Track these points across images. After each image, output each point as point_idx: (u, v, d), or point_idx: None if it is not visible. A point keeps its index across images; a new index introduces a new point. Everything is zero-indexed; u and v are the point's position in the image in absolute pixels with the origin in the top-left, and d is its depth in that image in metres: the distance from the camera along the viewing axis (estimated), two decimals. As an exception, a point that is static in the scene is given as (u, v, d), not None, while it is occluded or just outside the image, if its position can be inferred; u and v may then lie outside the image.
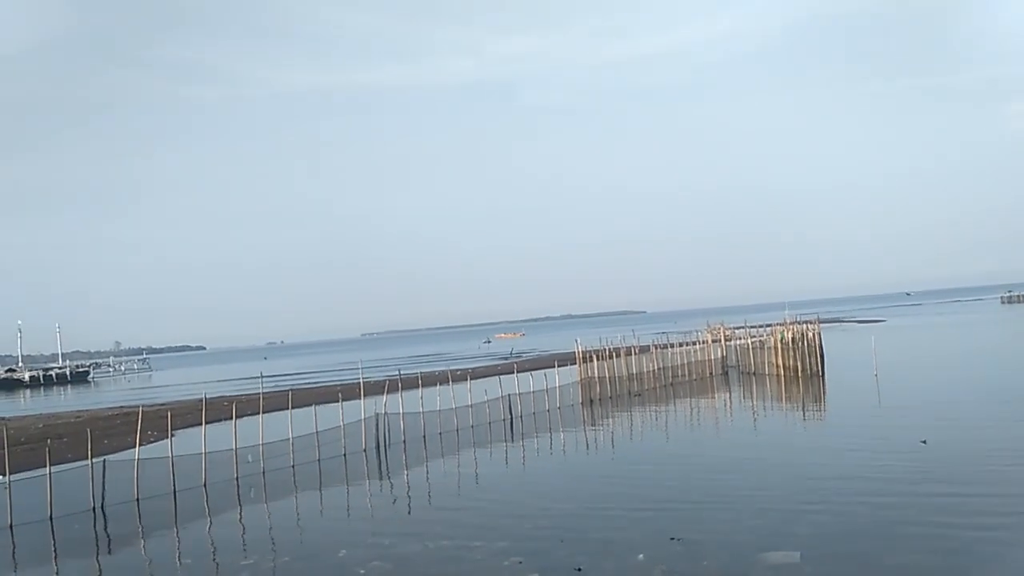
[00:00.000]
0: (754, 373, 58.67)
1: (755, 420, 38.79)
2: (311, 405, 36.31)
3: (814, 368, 53.41)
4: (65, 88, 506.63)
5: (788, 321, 58.68)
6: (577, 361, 54.40)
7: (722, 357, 63.45)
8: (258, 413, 33.75)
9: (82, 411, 65.82)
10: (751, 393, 50.15)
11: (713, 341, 65.58)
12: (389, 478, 31.04)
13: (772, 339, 58.40)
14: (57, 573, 21.02)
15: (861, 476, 24.23)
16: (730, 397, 48.98)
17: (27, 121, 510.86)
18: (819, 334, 55.46)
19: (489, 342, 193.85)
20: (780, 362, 56.10)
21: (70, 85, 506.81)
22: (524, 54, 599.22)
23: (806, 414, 40.24)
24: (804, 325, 57.87)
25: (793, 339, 55.68)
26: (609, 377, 52.49)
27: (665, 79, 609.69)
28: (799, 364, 54.20)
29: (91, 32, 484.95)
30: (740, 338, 66.78)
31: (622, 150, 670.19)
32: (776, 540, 18.14)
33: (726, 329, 70.41)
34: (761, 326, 67.45)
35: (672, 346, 60.92)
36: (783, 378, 54.11)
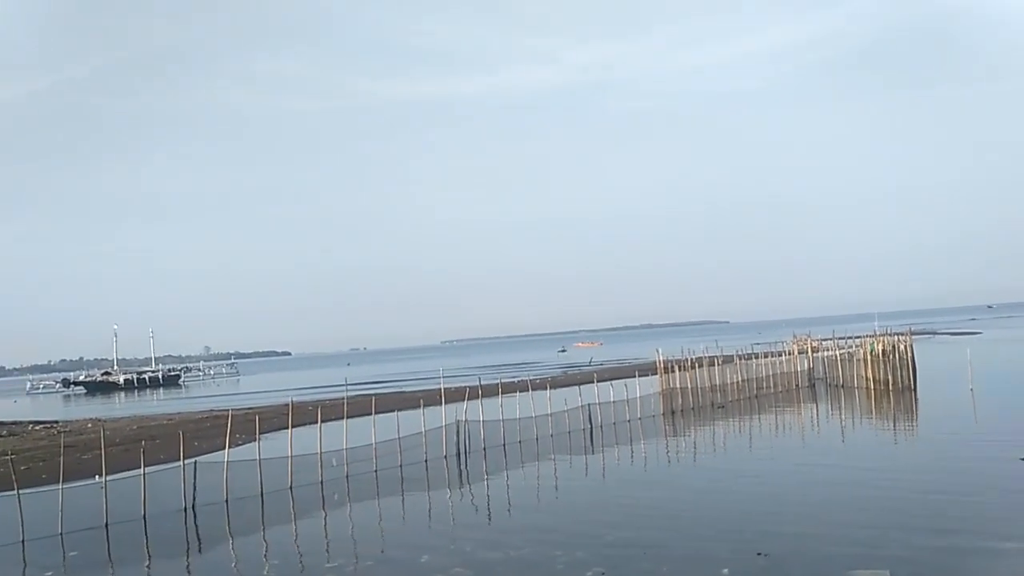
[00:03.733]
0: (842, 386, 57.08)
1: (843, 434, 37.69)
2: (393, 411, 36.69)
3: (905, 381, 51.59)
4: (167, 100, 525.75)
5: (878, 333, 56.87)
6: (658, 371, 53.75)
7: (809, 369, 61.91)
8: (342, 418, 34.31)
9: (174, 414, 68.01)
10: (839, 406, 48.79)
11: (799, 352, 64.08)
12: (469, 485, 31.16)
13: (861, 351, 56.73)
14: (150, 571, 21.67)
15: (954, 493, 23.31)
16: (817, 410, 47.72)
17: (127, 132, 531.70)
18: (911, 346, 53.59)
19: (564, 351, 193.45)
20: (870, 375, 54.45)
21: (172, 97, 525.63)
22: (603, 62, 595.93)
23: (897, 429, 38.92)
24: (895, 337, 56.06)
25: (884, 351, 53.97)
26: (691, 388, 51.69)
27: (744, 85, 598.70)
28: (890, 377, 52.47)
29: (191, 46, 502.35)
30: (828, 350, 65.05)
31: (703, 155, 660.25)
32: (865, 558, 17.53)
33: (813, 340, 68.74)
34: (850, 337, 65.62)
35: (757, 357, 59.70)
36: (873, 392, 52.48)
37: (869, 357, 54.98)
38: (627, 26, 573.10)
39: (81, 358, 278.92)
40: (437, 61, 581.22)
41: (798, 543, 19.27)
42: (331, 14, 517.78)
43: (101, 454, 28.39)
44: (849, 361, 58.38)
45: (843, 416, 44.58)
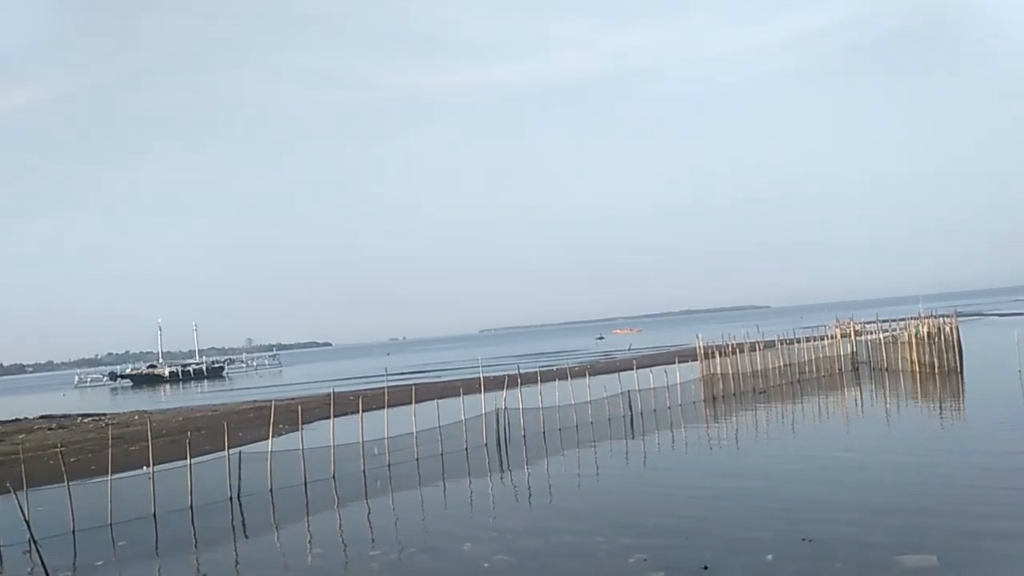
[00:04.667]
0: (886, 370, 56.25)
1: (888, 419, 37.18)
2: (433, 400, 36.86)
3: (951, 364, 50.68)
4: (203, 95, 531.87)
5: (923, 315, 55.95)
6: (699, 357, 53.34)
7: (852, 353, 61.06)
8: (383, 407, 34.56)
9: (218, 405, 69.01)
10: (883, 390, 48.09)
11: (842, 336, 63.25)
12: (510, 473, 31.23)
13: (906, 334, 55.83)
14: (197, 560, 22.01)
15: (1002, 479, 22.81)
16: (861, 394, 47.11)
17: (165, 129, 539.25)
18: (956, 328, 52.58)
19: (602, 338, 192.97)
20: (914, 358, 53.58)
21: (208, 92, 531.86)
22: (639, 46, 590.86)
23: (943, 413, 38.24)
24: (940, 319, 55.07)
25: (929, 334, 53.06)
26: (732, 374, 51.25)
27: (784, 67, 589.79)
28: (935, 360, 51.59)
29: (222, 40, 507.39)
30: (871, 333, 64.12)
31: (740, 139, 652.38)
32: (912, 543, 17.27)
33: (856, 324, 67.78)
34: (894, 320, 64.60)
35: (799, 341, 59.01)
36: (918, 375, 51.66)
37: (914, 340, 54.14)
38: (662, 11, 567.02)
39: (127, 351, 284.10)
40: (467, 50, 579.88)
41: (843, 529, 19.02)
42: (359, 5, 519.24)
43: (148, 446, 28.90)
44: (893, 344, 57.54)
45: (888, 400, 43.96)
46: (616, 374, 47.64)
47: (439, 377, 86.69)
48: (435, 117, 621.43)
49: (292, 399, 61.86)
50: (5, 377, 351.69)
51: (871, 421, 36.78)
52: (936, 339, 52.33)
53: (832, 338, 62.69)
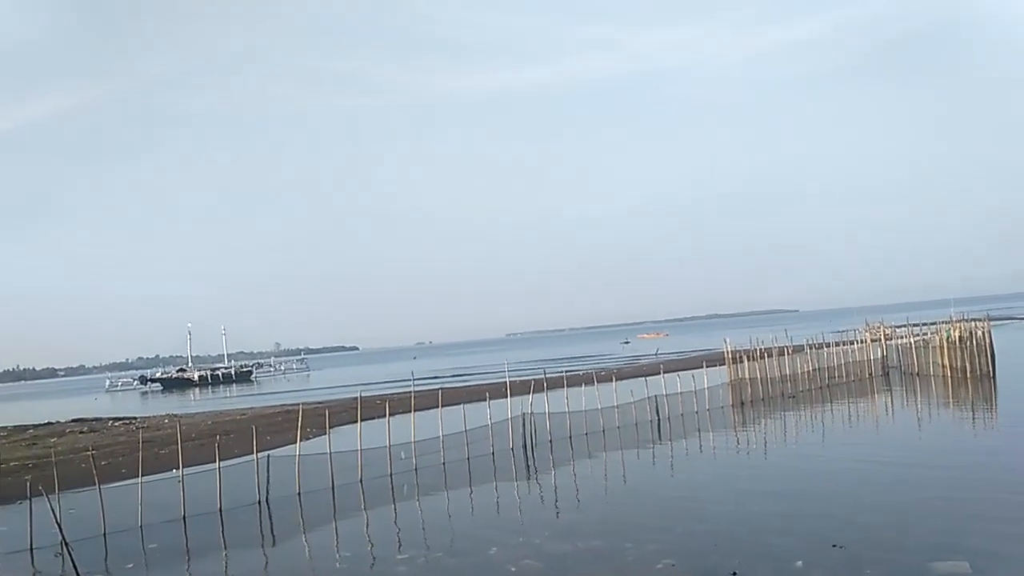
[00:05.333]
0: (917, 374, 55.55)
1: (919, 424, 36.69)
2: (459, 404, 36.89)
3: (984, 369, 49.95)
4: (232, 101, 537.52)
5: (954, 318, 55.22)
6: (726, 362, 52.96)
7: (882, 357, 60.41)
8: (409, 411, 34.61)
9: (246, 409, 69.50)
10: (914, 395, 47.50)
11: (872, 340, 62.54)
12: (536, 477, 31.16)
13: (937, 338, 55.11)
14: (227, 563, 22.17)
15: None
16: (891, 399, 46.54)
17: (192, 133, 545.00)
18: (989, 332, 51.84)
19: (628, 342, 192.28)
20: (946, 362, 52.85)
21: (237, 98, 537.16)
22: (663, 48, 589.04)
23: (975, 418, 37.68)
24: (972, 322, 54.30)
25: (960, 337, 52.33)
26: (760, 378, 50.85)
27: (809, 67, 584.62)
28: (967, 364, 50.87)
29: (248, 48, 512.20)
30: (902, 337, 63.35)
31: (766, 140, 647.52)
32: (944, 550, 17.03)
33: (886, 327, 67.03)
34: (924, 324, 63.82)
35: (828, 345, 58.47)
36: (949, 379, 50.95)
37: (945, 344, 53.41)
38: (687, 12, 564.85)
39: (157, 356, 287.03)
40: (489, 53, 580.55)
41: (874, 534, 18.78)
42: (378, 10, 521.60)
43: (178, 449, 29.15)
44: (924, 348, 56.81)
45: (919, 405, 43.39)
46: (643, 378, 47.39)
47: (465, 381, 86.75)
48: (459, 120, 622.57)
49: (320, 403, 62.10)
50: (38, 381, 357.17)
51: (902, 426, 36.32)
52: (968, 343, 51.60)
53: (862, 342, 62.04)
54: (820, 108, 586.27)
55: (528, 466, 33.23)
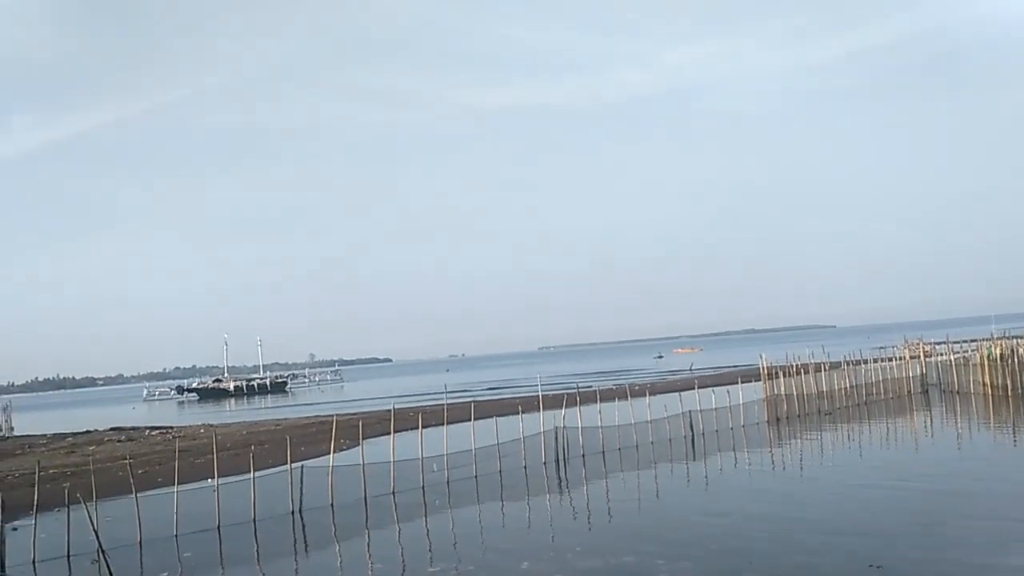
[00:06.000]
0: (958, 392, 54.58)
1: (959, 443, 36.01)
2: (492, 417, 36.87)
3: (1026, 387, 49.01)
4: (267, 115, 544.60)
5: (995, 335, 54.22)
6: (762, 377, 52.44)
7: (921, 374, 59.46)
8: (442, 424, 34.67)
9: (281, 419, 70.02)
10: (954, 413, 46.66)
11: (911, 357, 61.60)
12: (569, 492, 31.02)
13: (978, 355, 54.15)
14: (261, 572, 22.30)
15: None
16: (930, 417, 45.76)
17: (237, 147, 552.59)
18: (1032, 349, 50.87)
19: (661, 357, 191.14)
20: (987, 380, 51.90)
21: (272, 112, 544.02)
22: (699, 63, 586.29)
23: (1017, 438, 36.93)
24: (1014, 340, 53.28)
25: (1002, 355, 51.38)
26: (797, 395, 50.25)
27: (847, 83, 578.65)
28: (1008, 382, 49.91)
29: (286, 64, 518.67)
30: (941, 354, 62.35)
31: (810, 156, 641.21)
32: (986, 570, 16.71)
33: (925, 344, 66.01)
34: (965, 341, 62.75)
35: (866, 362, 57.67)
36: (990, 398, 50.01)
37: (986, 361, 52.48)
38: (724, 24, 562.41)
39: (194, 366, 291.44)
40: (529, 68, 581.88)
41: (914, 555, 18.43)
42: (419, 27, 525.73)
43: (213, 458, 29.40)
44: (965, 366, 55.83)
45: (959, 424, 42.61)
46: (677, 394, 47.06)
47: (498, 394, 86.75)
48: (491, 133, 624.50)
49: (353, 414, 62.39)
50: (77, 390, 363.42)
51: (941, 445, 35.68)
52: (1009, 360, 50.68)
53: (901, 359, 61.13)
54: (854, 123, 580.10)
55: (560, 480, 33.09)
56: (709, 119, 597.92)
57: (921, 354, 63.11)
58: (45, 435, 66.80)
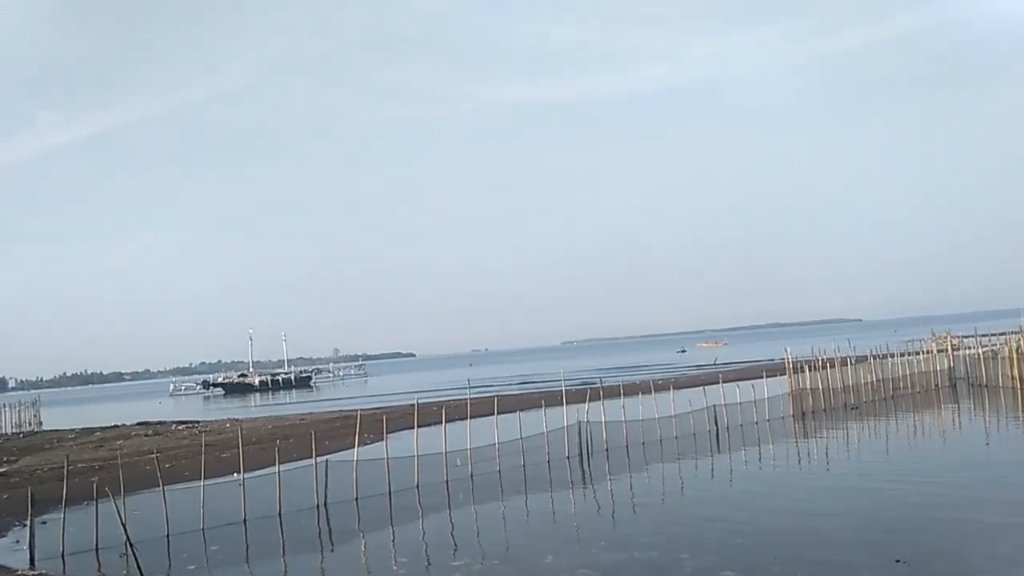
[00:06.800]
0: (986, 386, 53.95)
1: (988, 437, 35.60)
2: (515, 412, 36.86)
3: (1057, 381, 48.34)
4: (291, 111, 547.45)
5: (1024, 329, 53.62)
6: (787, 371, 52.05)
7: (949, 368, 58.82)
8: (466, 418, 34.69)
9: (306, 414, 70.35)
10: (982, 408, 46.15)
11: (939, 351, 60.94)
12: (592, 486, 30.99)
13: (1006, 348, 53.48)
14: (286, 566, 22.45)
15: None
16: (958, 412, 45.27)
17: (257, 143, 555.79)
18: (1062, 342, 50.17)
19: (684, 351, 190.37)
20: (1015, 374, 51.23)
21: (295, 108, 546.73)
22: (724, 56, 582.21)
23: (1048, 432, 36.45)
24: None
25: (1030, 348, 50.71)
26: (822, 389, 49.84)
27: (876, 74, 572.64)
28: (1037, 376, 49.27)
29: (305, 60, 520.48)
30: (969, 347, 61.64)
31: (835, 148, 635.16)
32: (1014, 565, 16.50)
33: (953, 338, 65.27)
34: (994, 334, 61.99)
35: (892, 356, 57.12)
36: (1019, 392, 49.35)
37: (1015, 355, 51.78)
38: (748, 18, 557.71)
39: (219, 361, 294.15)
40: (553, 63, 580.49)
41: (940, 550, 18.28)
42: (444, 22, 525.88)
43: (239, 452, 29.59)
44: (993, 359, 55.11)
45: (987, 418, 42.16)
46: (701, 388, 46.83)
47: (521, 389, 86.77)
48: (514, 129, 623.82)
49: (377, 409, 62.63)
50: (105, 385, 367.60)
51: (969, 440, 35.29)
52: (1038, 354, 50.01)
53: (928, 353, 60.52)
54: (880, 115, 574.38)
55: (584, 475, 33.05)
56: (735, 113, 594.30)
57: (949, 347, 62.46)
58: (73, 430, 67.63)
